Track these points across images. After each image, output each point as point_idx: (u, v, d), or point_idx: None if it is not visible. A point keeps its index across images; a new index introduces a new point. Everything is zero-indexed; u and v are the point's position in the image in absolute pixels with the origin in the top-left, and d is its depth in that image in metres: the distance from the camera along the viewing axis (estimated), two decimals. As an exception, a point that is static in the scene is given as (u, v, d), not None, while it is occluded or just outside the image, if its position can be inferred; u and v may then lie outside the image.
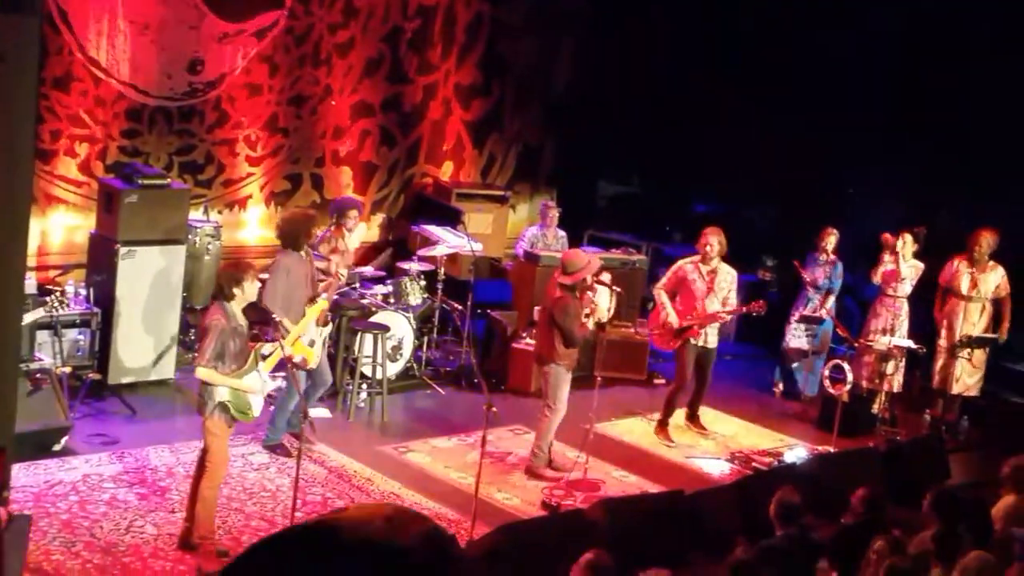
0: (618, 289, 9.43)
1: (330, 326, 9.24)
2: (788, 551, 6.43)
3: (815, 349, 11.43)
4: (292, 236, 9.10)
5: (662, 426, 10.25)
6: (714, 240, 10.01)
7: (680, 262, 10.23)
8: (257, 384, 7.43)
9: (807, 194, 12.49)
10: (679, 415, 10.40)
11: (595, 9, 14.01)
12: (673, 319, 10.03)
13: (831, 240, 11.32)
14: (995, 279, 10.85)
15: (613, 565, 5.71)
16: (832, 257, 11.35)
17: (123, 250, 9.71)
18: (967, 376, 10.90)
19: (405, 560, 6.25)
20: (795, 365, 11.58)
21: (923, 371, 11.21)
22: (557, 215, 12.09)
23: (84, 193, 10.98)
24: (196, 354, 7.40)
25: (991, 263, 10.83)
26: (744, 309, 10.35)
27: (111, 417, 9.33)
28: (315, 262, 9.35)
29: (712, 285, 10.07)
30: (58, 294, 8.87)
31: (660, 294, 10.16)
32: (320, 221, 9.92)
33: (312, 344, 8.71)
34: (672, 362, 10.52)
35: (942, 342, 10.97)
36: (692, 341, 10.04)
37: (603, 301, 9.27)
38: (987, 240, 10.75)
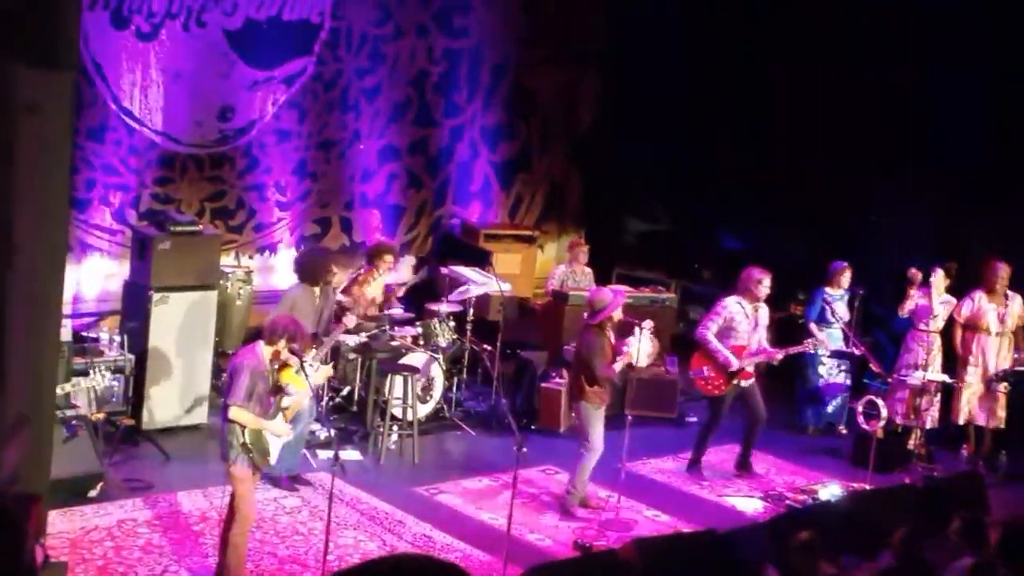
0: (648, 324, 9.35)
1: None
2: None
3: (844, 383, 11.36)
4: (306, 271, 9.46)
5: (694, 465, 10.21)
6: (768, 280, 9.94)
7: (725, 303, 9.98)
8: (281, 428, 7.48)
9: (834, 229, 12.45)
10: (723, 461, 10.33)
11: (619, 46, 14.08)
12: (734, 361, 9.86)
13: (846, 277, 11.23)
14: (1017, 309, 10.80)
15: None
16: (847, 291, 11.28)
17: (156, 296, 9.80)
18: (1000, 410, 10.82)
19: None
20: (836, 401, 11.48)
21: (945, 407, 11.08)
22: (585, 253, 12.11)
23: (118, 241, 11.12)
24: (227, 394, 7.42)
25: (1011, 293, 10.79)
26: (806, 345, 10.25)
27: (145, 462, 9.38)
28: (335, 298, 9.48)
29: (756, 324, 10.03)
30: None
31: (713, 339, 9.86)
32: (342, 261, 10.02)
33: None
34: (701, 400, 10.49)
35: (970, 378, 10.88)
36: (741, 383, 9.95)
37: (643, 346, 9.22)
38: (1006, 271, 10.71)
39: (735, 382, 9.92)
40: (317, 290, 9.44)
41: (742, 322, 9.95)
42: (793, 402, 11.63)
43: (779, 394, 11.90)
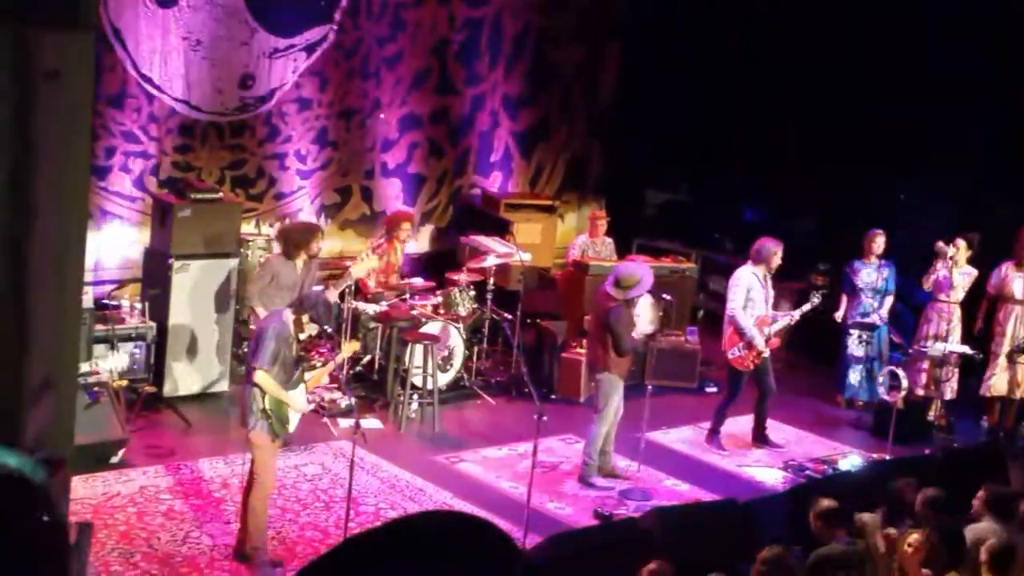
0: (668, 297, 9.37)
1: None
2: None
3: (873, 355, 11.31)
4: (287, 245, 9.56)
5: (713, 435, 10.21)
6: (780, 251, 9.94)
7: (742, 275, 9.96)
8: (297, 403, 7.50)
9: (857, 199, 12.37)
10: (744, 432, 10.33)
11: (640, 17, 14.00)
12: (760, 344, 9.86)
13: (879, 242, 11.21)
14: None
15: (675, 574, 5.71)
16: (883, 260, 11.23)
17: (177, 264, 9.82)
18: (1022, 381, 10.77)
19: (475, 566, 6.25)
20: (853, 372, 11.46)
21: (978, 378, 11.06)
22: (605, 224, 12.07)
23: (138, 208, 11.14)
24: (252, 358, 7.39)
25: None
26: (810, 305, 10.20)
27: (167, 429, 9.43)
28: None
29: (769, 292, 10.06)
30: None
31: (743, 317, 9.84)
32: (319, 230, 10.05)
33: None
34: (721, 369, 10.49)
35: (998, 348, 10.83)
36: (765, 353, 9.96)
37: (645, 312, 9.21)
38: None
39: (764, 354, 9.94)
40: (300, 263, 9.50)
41: (759, 291, 9.96)
42: (831, 372, 11.59)
43: (809, 363, 11.91)
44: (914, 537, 6.43)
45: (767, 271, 9.99)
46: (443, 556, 6.24)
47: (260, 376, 7.28)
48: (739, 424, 10.42)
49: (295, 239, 9.60)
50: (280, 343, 7.32)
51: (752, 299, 9.93)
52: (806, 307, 10.19)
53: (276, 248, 9.98)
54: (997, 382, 10.85)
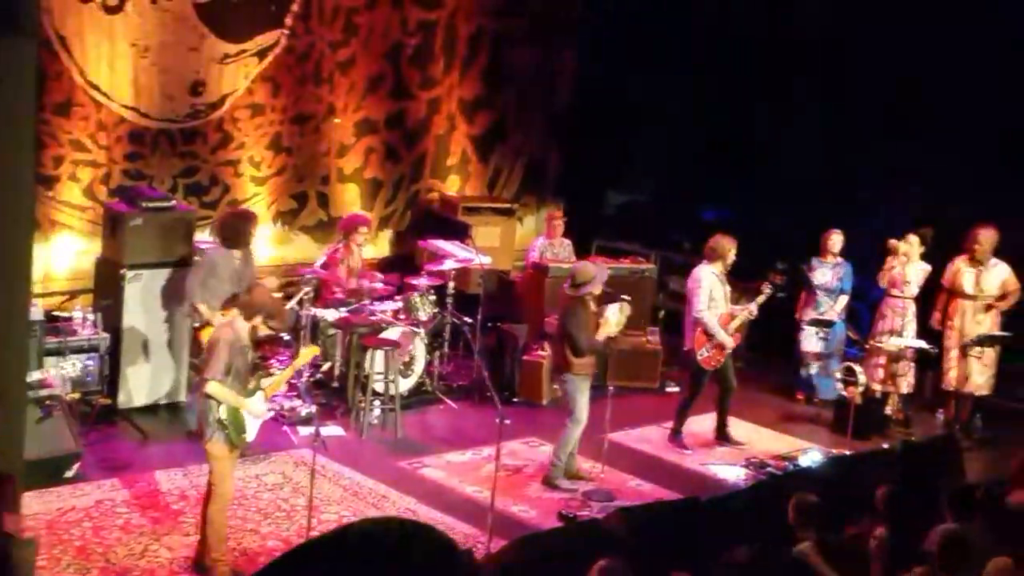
0: (626, 298, 9.35)
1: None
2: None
3: (829, 352, 11.36)
4: (227, 235, 9.44)
5: (676, 434, 10.19)
6: (734, 248, 10.00)
7: (702, 274, 9.99)
8: (259, 410, 7.40)
9: (816, 199, 12.41)
10: (705, 430, 10.33)
11: (597, 18, 13.98)
12: (727, 340, 9.94)
13: (836, 241, 11.28)
14: (999, 275, 10.75)
15: (625, 570, 5.66)
16: (839, 259, 11.30)
17: (129, 274, 9.68)
18: (977, 375, 10.81)
19: (415, 572, 6.21)
20: (811, 369, 11.49)
21: (933, 372, 11.11)
22: (562, 225, 12.04)
23: (89, 218, 10.98)
24: (204, 368, 7.33)
25: (993, 260, 10.74)
26: (764, 296, 10.21)
27: (122, 442, 9.29)
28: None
29: (727, 289, 10.10)
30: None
31: (710, 318, 9.90)
32: (256, 219, 9.96)
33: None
34: (684, 369, 10.48)
35: (949, 342, 10.87)
36: (728, 351, 10.03)
37: (612, 316, 9.18)
38: (986, 237, 10.65)
39: (728, 351, 10.02)
40: (238, 254, 9.38)
41: (719, 290, 10.01)
42: (786, 369, 11.64)
43: (770, 361, 11.96)
44: (879, 531, 6.43)
45: (724, 268, 10.03)
46: (385, 563, 6.19)
47: (212, 387, 7.19)
48: (700, 423, 10.42)
49: (232, 228, 9.47)
50: (233, 353, 7.22)
51: (714, 298, 9.97)
52: (760, 299, 10.23)
53: (213, 241, 9.76)
54: (952, 375, 10.89)
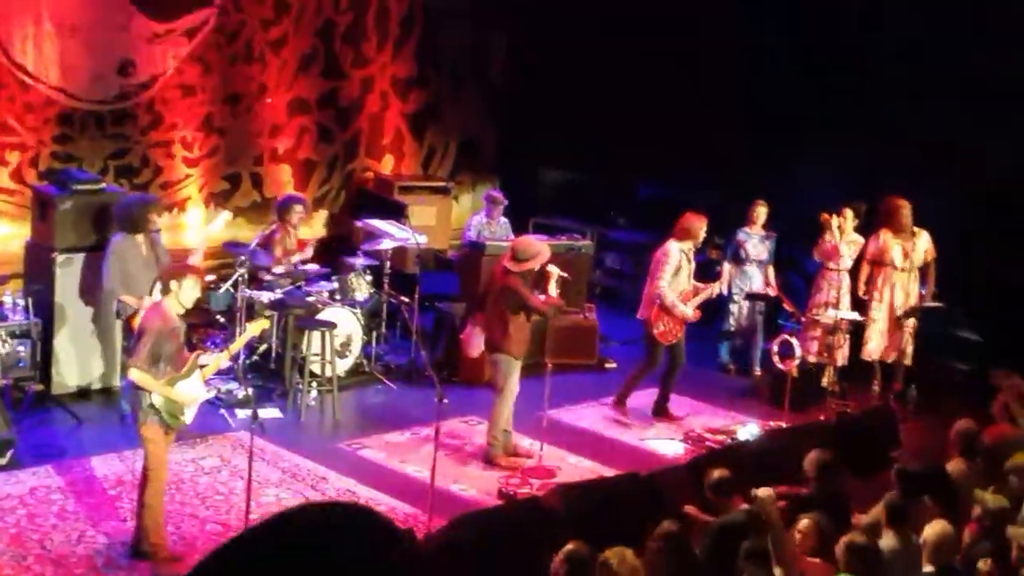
0: (564, 274, 9.39)
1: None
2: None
3: (755, 325, 11.49)
4: (125, 220, 9.30)
5: (619, 403, 10.27)
6: (705, 225, 10.06)
7: (668, 249, 10.04)
8: (192, 393, 7.32)
9: (750, 174, 12.50)
10: (645, 405, 10.41)
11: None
12: (688, 313, 10.04)
13: (760, 212, 11.39)
14: (923, 245, 10.92)
15: (589, 555, 5.70)
16: (767, 231, 11.39)
17: (60, 258, 9.54)
18: (907, 346, 10.98)
19: (356, 555, 6.21)
20: (742, 342, 11.60)
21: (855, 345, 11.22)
22: (502, 208, 12.01)
23: (17, 202, 10.80)
24: (131, 355, 7.25)
25: (915, 229, 10.90)
26: (720, 280, 10.36)
27: (56, 428, 9.17)
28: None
29: (693, 267, 10.20)
30: None
31: (671, 294, 9.96)
32: (155, 201, 9.88)
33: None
34: (625, 345, 10.53)
35: (876, 314, 10.99)
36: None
37: (551, 290, 9.24)
38: (906, 207, 10.82)
39: (684, 325, 10.15)
40: (141, 238, 9.29)
41: (684, 266, 10.10)
42: (712, 342, 11.71)
43: (698, 334, 12.03)
44: (803, 523, 6.51)
45: (694, 245, 10.11)
46: (324, 547, 6.19)
47: (134, 374, 7.13)
48: (639, 398, 10.47)
49: (127, 213, 9.32)
50: (160, 339, 7.14)
51: (678, 275, 10.05)
52: (725, 279, 10.34)
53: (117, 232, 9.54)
54: (874, 346, 11.03)
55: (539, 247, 9.09)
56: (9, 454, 8.41)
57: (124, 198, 9.81)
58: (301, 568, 6.15)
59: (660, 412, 10.37)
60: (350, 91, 13.09)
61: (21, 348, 9.35)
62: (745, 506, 6.77)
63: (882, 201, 10.97)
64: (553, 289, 9.23)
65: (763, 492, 6.84)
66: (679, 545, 6.06)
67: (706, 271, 10.54)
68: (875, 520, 6.86)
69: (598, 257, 12.87)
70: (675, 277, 10.03)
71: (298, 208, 10.84)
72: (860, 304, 11.05)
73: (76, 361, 9.66)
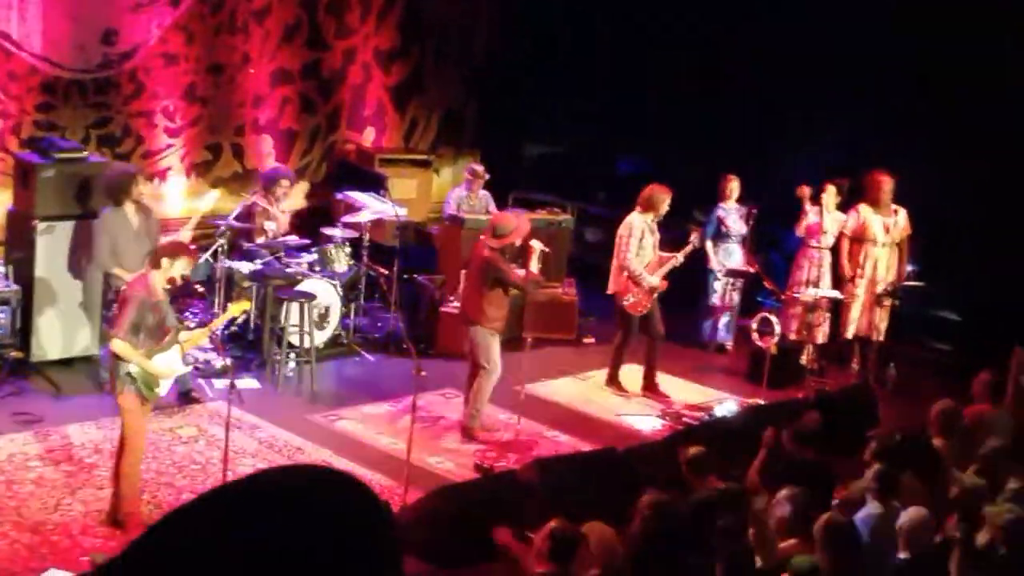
0: (545, 249, 9.41)
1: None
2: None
3: (737, 301, 11.54)
4: (111, 191, 9.27)
5: (613, 378, 10.35)
6: (668, 198, 10.13)
7: (633, 223, 10.12)
8: (169, 367, 7.34)
9: (730, 149, 12.52)
10: (633, 382, 10.47)
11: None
12: (655, 282, 10.12)
13: (733, 187, 11.41)
14: (902, 221, 10.96)
15: (574, 533, 5.72)
16: (742, 206, 11.42)
17: (41, 226, 9.51)
18: (882, 323, 11.04)
19: (330, 521, 6.17)
20: (725, 319, 11.65)
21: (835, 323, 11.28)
22: (482, 182, 12.00)
23: (-1, 169, 10.76)
24: (112, 324, 7.26)
25: (894, 206, 10.95)
26: (691, 246, 10.39)
27: (35, 395, 9.18)
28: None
29: (657, 238, 10.25)
30: None
31: (637, 265, 10.07)
32: (145, 175, 9.93)
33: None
34: (604, 318, 10.57)
35: (859, 291, 11.05)
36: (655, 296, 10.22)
37: (532, 265, 9.27)
38: (888, 182, 10.85)
39: (655, 296, 10.19)
40: (131, 211, 9.25)
41: (648, 238, 10.15)
42: (694, 319, 11.76)
43: (680, 311, 12.08)
44: (783, 494, 6.53)
45: (656, 217, 10.17)
46: (303, 510, 6.15)
47: (116, 344, 7.16)
48: (622, 373, 10.50)
49: (114, 185, 9.29)
50: (143, 310, 7.15)
51: (643, 247, 10.11)
52: (688, 248, 10.40)
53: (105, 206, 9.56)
54: (858, 323, 11.08)
55: (518, 222, 9.11)
56: (-13, 421, 8.43)
57: (107, 170, 9.78)
58: (271, 526, 6.10)
59: (650, 387, 10.43)
60: (332, 62, 13.06)
61: (1, 315, 9.34)
62: (718, 483, 6.82)
63: (864, 176, 11.01)
64: (534, 264, 9.25)
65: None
66: (668, 515, 6.08)
67: (677, 243, 10.55)
68: (855, 494, 6.91)
69: (578, 232, 12.90)
70: (640, 249, 10.10)
71: (284, 182, 10.84)
72: (841, 282, 11.09)
73: (56, 329, 9.64)
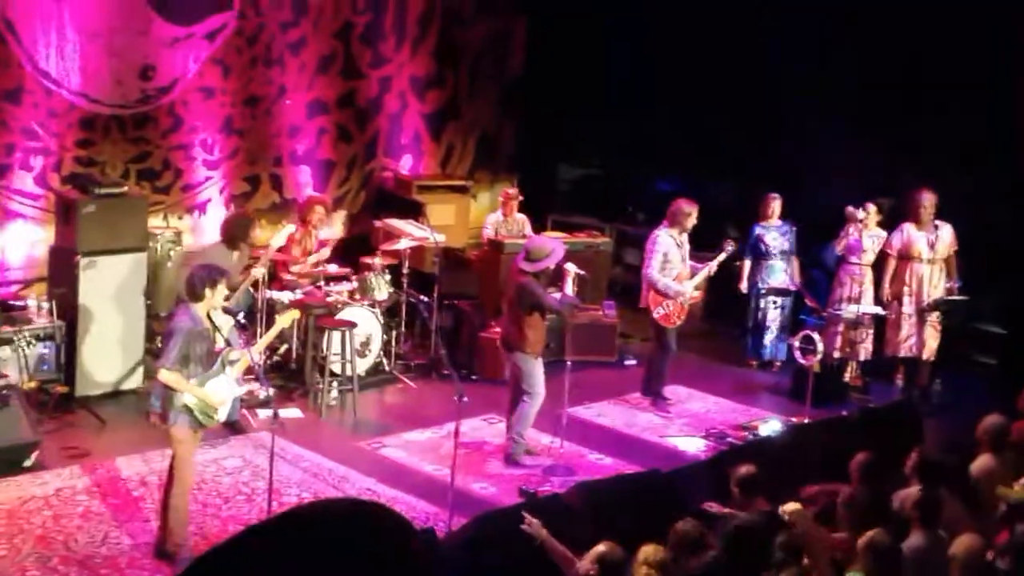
0: (581, 272, 9.40)
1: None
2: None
3: (784, 319, 11.48)
4: (228, 234, 9.67)
5: (657, 397, 10.40)
6: (695, 212, 10.18)
7: (659, 238, 10.18)
8: (222, 391, 7.36)
9: (768, 168, 12.48)
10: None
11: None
12: (683, 291, 10.14)
13: (775, 206, 11.40)
14: (946, 237, 10.89)
15: (623, 557, 5.70)
16: (782, 223, 11.40)
17: (84, 261, 9.61)
18: (931, 340, 10.95)
19: (370, 554, 6.19)
20: (768, 336, 11.59)
21: (889, 339, 11.20)
22: (517, 204, 12.05)
23: (42, 206, 10.89)
24: (160, 357, 7.31)
25: (937, 222, 10.87)
26: (724, 254, 10.40)
27: (81, 429, 9.24)
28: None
29: (686, 252, 10.28)
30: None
31: (660, 276, 10.11)
32: (269, 221, 10.05)
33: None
34: (645, 341, 10.57)
35: (906, 309, 10.97)
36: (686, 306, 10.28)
37: (568, 288, 9.26)
38: (930, 199, 10.79)
39: (687, 308, 10.25)
40: (236, 255, 9.56)
41: (675, 252, 10.17)
42: (739, 338, 11.75)
43: (725, 330, 12.06)
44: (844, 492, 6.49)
45: (681, 231, 10.19)
46: (339, 544, 6.18)
47: (163, 375, 7.18)
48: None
49: (234, 229, 9.70)
50: (191, 340, 7.19)
51: (670, 260, 10.14)
52: (721, 257, 10.42)
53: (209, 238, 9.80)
54: (903, 341, 11.00)
55: (552, 246, 9.10)
56: (34, 456, 8.49)
57: (231, 214, 10.38)
58: (311, 562, 6.14)
59: (653, 393, 10.48)
60: (368, 91, 13.14)
61: (45, 350, 9.43)
62: (767, 505, 6.74)
63: (908, 194, 10.94)
64: (570, 287, 9.24)
65: (791, 508, 6.69)
66: (696, 545, 6.04)
67: (721, 264, 10.54)
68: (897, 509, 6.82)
69: (617, 254, 12.88)
70: (667, 263, 10.13)
71: (319, 209, 10.92)
72: (884, 300, 11.01)
73: (99, 363, 9.72)
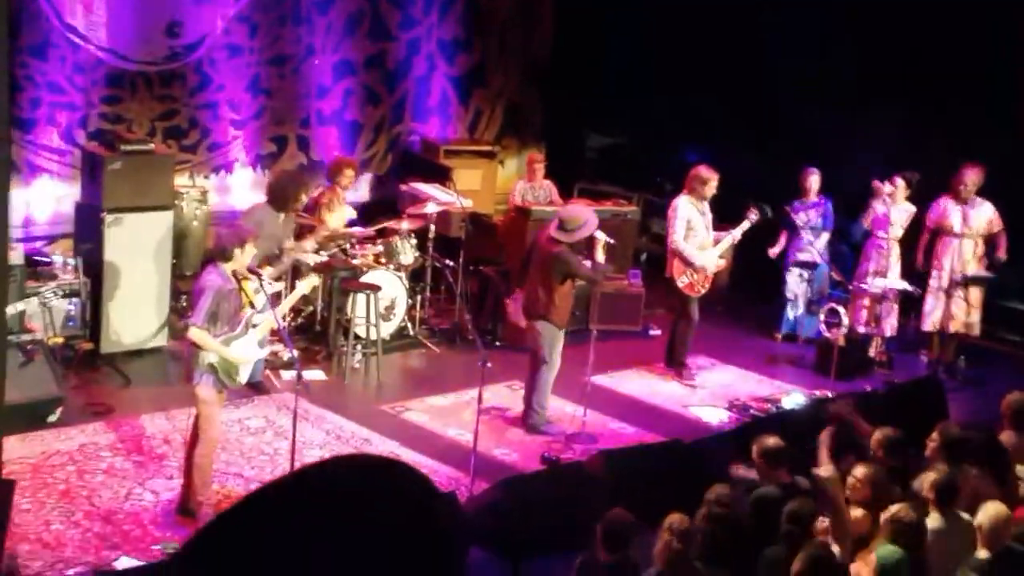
0: (610, 240, 9.34)
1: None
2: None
3: (813, 295, 11.41)
4: (277, 196, 9.42)
5: (683, 367, 10.37)
6: (715, 181, 10.12)
7: (679, 205, 10.14)
8: (246, 352, 7.36)
9: (797, 138, 12.37)
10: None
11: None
12: (707, 260, 10.08)
13: (813, 180, 11.31)
14: (985, 214, 10.78)
15: (631, 523, 5.70)
16: (819, 198, 11.32)
17: (109, 218, 9.60)
18: (963, 315, 10.86)
19: (393, 511, 6.17)
20: (795, 310, 11.52)
21: (916, 313, 11.16)
22: (542, 168, 12.00)
23: (68, 162, 10.88)
24: (190, 314, 7.30)
25: (978, 199, 10.76)
26: (748, 222, 10.33)
27: (105, 386, 9.27)
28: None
29: (710, 219, 10.22)
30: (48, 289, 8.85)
31: (684, 245, 10.07)
32: (311, 183, 9.95)
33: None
34: (668, 313, 10.53)
35: (934, 283, 10.90)
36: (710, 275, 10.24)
37: (597, 256, 9.20)
38: (971, 177, 10.68)
39: (711, 277, 10.21)
40: (283, 216, 9.40)
41: (698, 220, 10.13)
42: (768, 311, 11.71)
43: (749, 302, 12.01)
44: (860, 471, 6.47)
45: (702, 197, 10.13)
46: (358, 499, 6.17)
47: (193, 332, 7.18)
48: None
49: (280, 190, 9.46)
50: (219, 298, 7.19)
51: (693, 228, 10.09)
52: (745, 225, 10.36)
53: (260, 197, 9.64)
54: (936, 316, 10.94)
55: (587, 216, 9.02)
56: (59, 411, 8.52)
57: (278, 172, 10.00)
58: (330, 519, 6.13)
59: (675, 363, 10.45)
60: (396, 53, 13.06)
61: (71, 307, 9.44)
62: (789, 477, 6.72)
63: (949, 169, 10.82)
64: (600, 255, 9.17)
65: (824, 471, 6.72)
66: (730, 510, 6.03)
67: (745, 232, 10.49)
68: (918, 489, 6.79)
69: (644, 223, 12.81)
70: (690, 231, 10.06)
71: (349, 171, 10.85)
72: (915, 274, 10.94)
73: (125, 320, 9.73)
